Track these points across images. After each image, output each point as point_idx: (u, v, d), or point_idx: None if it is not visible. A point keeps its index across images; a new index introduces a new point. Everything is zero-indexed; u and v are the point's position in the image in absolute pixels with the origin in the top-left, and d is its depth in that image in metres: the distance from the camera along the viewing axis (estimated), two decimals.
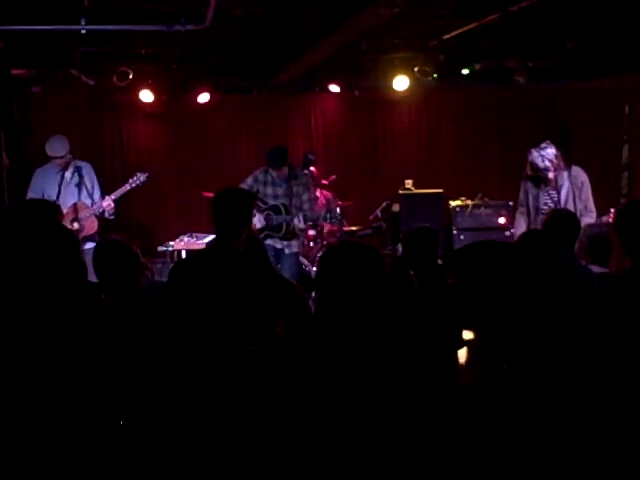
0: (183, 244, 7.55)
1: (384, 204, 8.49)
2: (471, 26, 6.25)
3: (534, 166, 6.07)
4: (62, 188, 6.45)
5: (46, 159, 6.68)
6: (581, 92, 8.81)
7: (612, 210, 5.60)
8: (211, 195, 8.22)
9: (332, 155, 9.03)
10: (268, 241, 6.52)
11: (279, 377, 2.18)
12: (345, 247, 2.37)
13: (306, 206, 6.63)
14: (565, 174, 6.08)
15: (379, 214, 8.49)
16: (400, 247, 7.80)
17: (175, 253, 7.63)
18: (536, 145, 6.10)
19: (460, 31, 6.48)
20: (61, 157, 6.48)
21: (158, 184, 8.00)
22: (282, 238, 6.63)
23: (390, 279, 3.25)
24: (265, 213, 6.63)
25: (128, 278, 3.73)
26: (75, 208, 6.45)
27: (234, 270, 3.79)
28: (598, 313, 3.28)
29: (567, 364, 2.70)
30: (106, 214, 6.52)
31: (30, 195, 6.47)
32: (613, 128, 8.51)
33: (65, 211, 6.13)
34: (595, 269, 4.37)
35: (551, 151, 5.99)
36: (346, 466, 2.13)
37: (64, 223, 5.85)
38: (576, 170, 6.11)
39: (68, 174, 6.55)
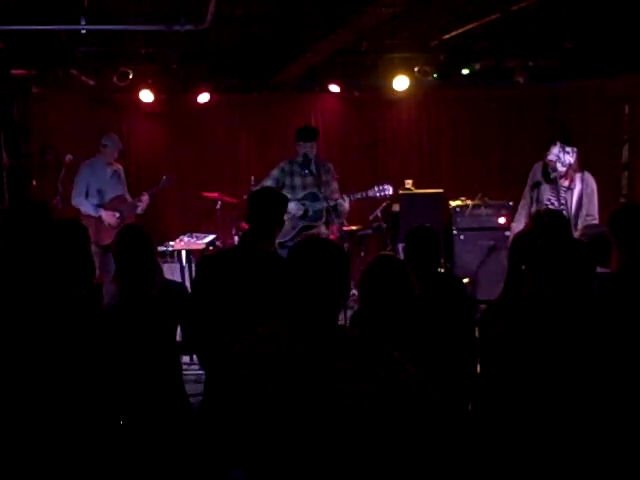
0: (183, 244, 7.54)
1: (384, 204, 8.48)
2: (471, 26, 6.25)
3: (548, 163, 6.11)
4: (107, 181, 7.22)
5: (43, 158, 7.22)
6: (581, 92, 8.80)
7: None
8: (211, 195, 8.27)
9: (332, 155, 9.00)
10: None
11: (260, 374, 2.19)
12: (307, 245, 2.40)
13: (335, 195, 6.40)
14: (578, 177, 6.12)
15: (379, 214, 8.48)
16: (400, 247, 7.84)
17: (175, 253, 7.62)
18: (562, 144, 6.12)
19: (460, 31, 6.48)
20: (119, 150, 7.29)
21: (158, 184, 8.00)
22: (326, 224, 6.36)
23: (392, 281, 3.27)
24: (302, 203, 6.39)
25: (148, 265, 3.74)
26: (118, 200, 7.23)
27: (266, 270, 3.78)
28: (597, 311, 3.28)
29: (566, 361, 2.70)
30: (139, 209, 7.28)
31: (76, 188, 7.12)
32: (613, 128, 8.51)
33: (108, 201, 7.16)
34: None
35: (569, 158, 6.01)
36: (329, 465, 2.14)
37: (108, 212, 7.07)
38: (588, 176, 6.14)
39: (110, 170, 7.27)
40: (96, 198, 7.12)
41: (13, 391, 2.64)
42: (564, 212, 5.85)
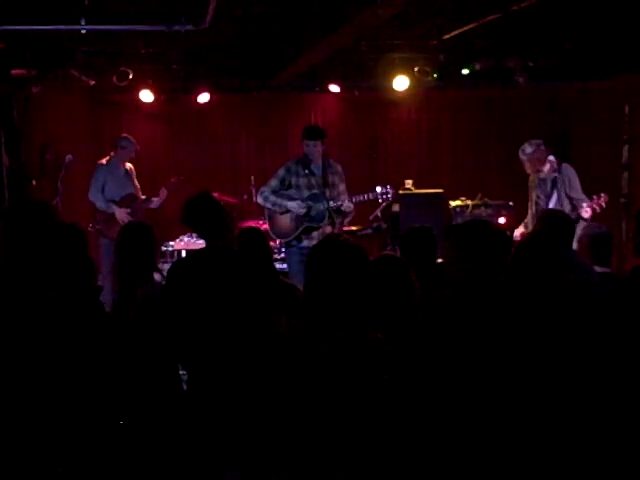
0: (183, 244, 7.57)
1: (384, 204, 8.48)
2: (471, 26, 6.24)
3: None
4: (121, 179, 7.54)
5: (43, 158, 7.73)
6: (581, 92, 8.80)
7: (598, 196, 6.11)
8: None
9: (332, 155, 8.96)
10: (304, 242, 6.34)
11: (278, 374, 2.19)
12: (329, 245, 2.40)
13: (343, 197, 6.40)
14: (554, 170, 6.47)
15: (379, 214, 8.48)
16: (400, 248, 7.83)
17: (175, 253, 7.65)
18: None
19: (460, 31, 6.47)
20: (136, 151, 7.64)
21: (158, 184, 8.01)
22: (332, 225, 6.36)
23: (391, 281, 3.27)
24: (305, 203, 6.39)
25: (149, 262, 3.74)
26: (130, 197, 7.54)
27: (232, 269, 3.81)
28: (599, 311, 3.28)
29: (567, 361, 2.70)
30: (156, 203, 7.67)
31: (94, 184, 7.43)
32: (613, 128, 8.50)
33: (120, 199, 7.48)
34: (596, 269, 4.36)
35: (528, 148, 6.54)
36: (342, 459, 2.14)
37: (121, 209, 7.40)
38: (564, 167, 6.52)
39: (123, 170, 7.58)
40: (110, 195, 7.46)
41: (13, 393, 2.64)
42: (551, 203, 6.37)
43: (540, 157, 6.49)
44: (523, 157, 6.58)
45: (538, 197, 6.59)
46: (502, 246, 2.90)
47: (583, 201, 6.29)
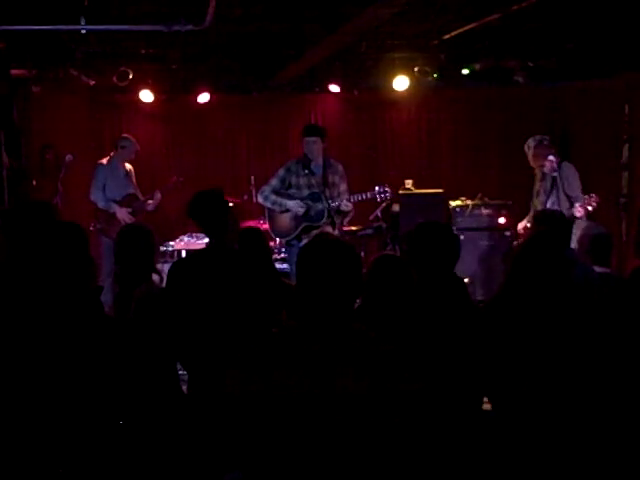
0: (183, 244, 7.57)
1: (384, 204, 8.48)
2: (471, 26, 6.25)
3: None
4: (122, 179, 7.57)
5: (43, 158, 7.85)
6: (581, 92, 8.80)
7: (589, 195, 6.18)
8: None
9: (332, 155, 9.00)
10: (305, 241, 6.29)
11: (271, 374, 2.19)
12: (317, 243, 2.42)
13: (343, 197, 6.42)
14: (554, 170, 6.50)
15: (379, 214, 8.47)
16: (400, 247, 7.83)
17: (175, 253, 7.64)
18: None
19: (460, 31, 6.48)
20: (137, 151, 7.68)
21: (158, 184, 8.01)
22: (332, 225, 6.36)
23: (392, 280, 3.28)
24: (304, 202, 6.40)
25: (147, 264, 3.75)
26: (130, 197, 7.58)
27: (232, 269, 3.82)
28: (599, 311, 3.28)
29: (568, 361, 2.70)
30: (151, 206, 7.65)
31: (95, 184, 7.47)
32: (613, 128, 8.49)
33: (121, 199, 7.50)
34: (596, 269, 4.36)
35: (531, 142, 6.74)
36: (338, 462, 2.14)
37: (122, 208, 7.43)
38: (564, 166, 6.58)
39: (123, 170, 7.60)
40: (111, 194, 7.50)
41: (14, 392, 2.64)
42: (549, 200, 6.45)
43: (542, 152, 6.58)
44: (527, 151, 6.73)
45: (538, 192, 6.71)
46: (448, 248, 3.16)
47: (577, 200, 6.34)
